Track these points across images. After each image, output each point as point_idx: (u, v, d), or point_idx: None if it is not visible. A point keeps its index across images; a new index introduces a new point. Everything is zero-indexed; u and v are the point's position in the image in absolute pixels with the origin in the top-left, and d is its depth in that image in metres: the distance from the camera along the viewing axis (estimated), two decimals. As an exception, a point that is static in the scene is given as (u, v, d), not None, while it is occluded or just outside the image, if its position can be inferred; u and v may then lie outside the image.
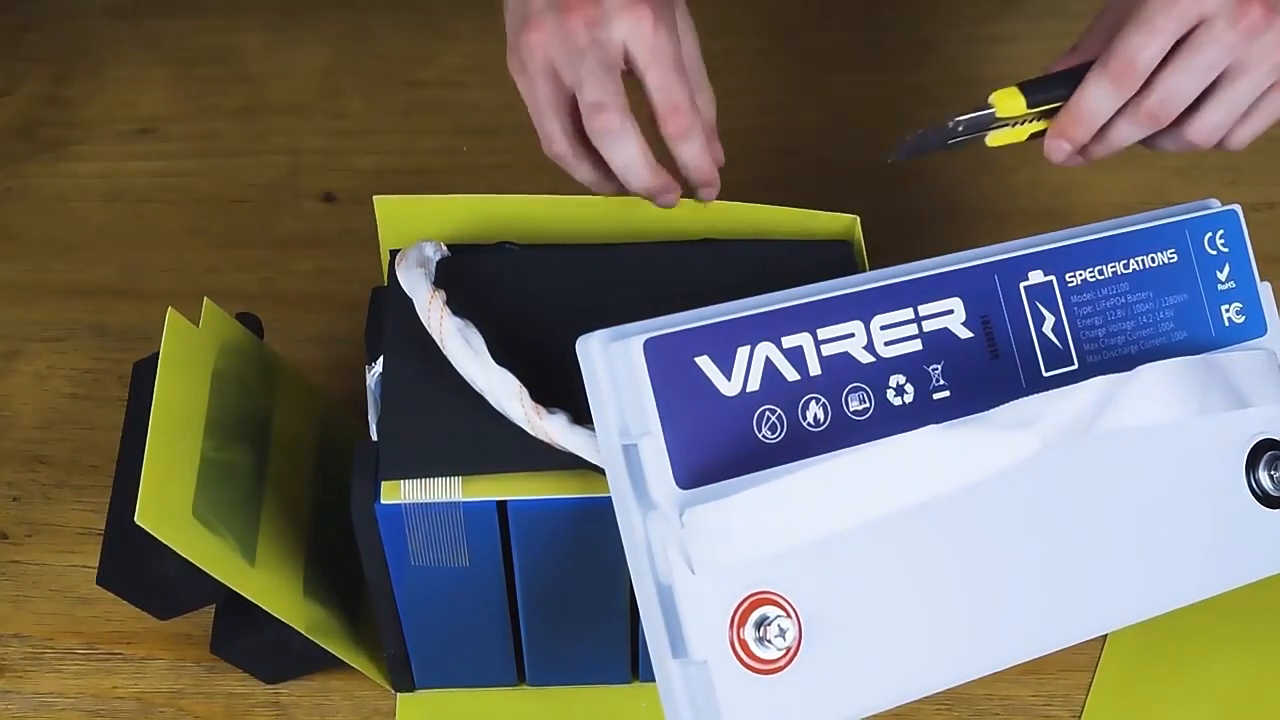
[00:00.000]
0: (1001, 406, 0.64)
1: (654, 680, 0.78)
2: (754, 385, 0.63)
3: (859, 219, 0.76)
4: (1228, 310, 0.71)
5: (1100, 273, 0.69)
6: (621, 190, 0.75)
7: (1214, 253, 0.71)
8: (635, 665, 0.78)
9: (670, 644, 0.62)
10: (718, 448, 0.62)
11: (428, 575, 0.70)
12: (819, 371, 0.64)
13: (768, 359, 0.63)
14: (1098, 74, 0.72)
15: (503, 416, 0.66)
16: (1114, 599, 0.68)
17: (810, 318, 0.64)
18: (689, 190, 0.76)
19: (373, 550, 0.69)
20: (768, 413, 0.63)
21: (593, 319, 0.64)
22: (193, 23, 1.14)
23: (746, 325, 0.63)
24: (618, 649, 0.76)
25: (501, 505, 0.68)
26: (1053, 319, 0.68)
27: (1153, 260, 0.70)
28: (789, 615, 0.62)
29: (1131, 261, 0.70)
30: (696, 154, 0.73)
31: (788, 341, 0.64)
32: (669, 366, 0.62)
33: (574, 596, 0.72)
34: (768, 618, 0.62)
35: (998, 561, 0.66)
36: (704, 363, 0.63)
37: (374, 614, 0.74)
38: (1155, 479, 0.69)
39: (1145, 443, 0.68)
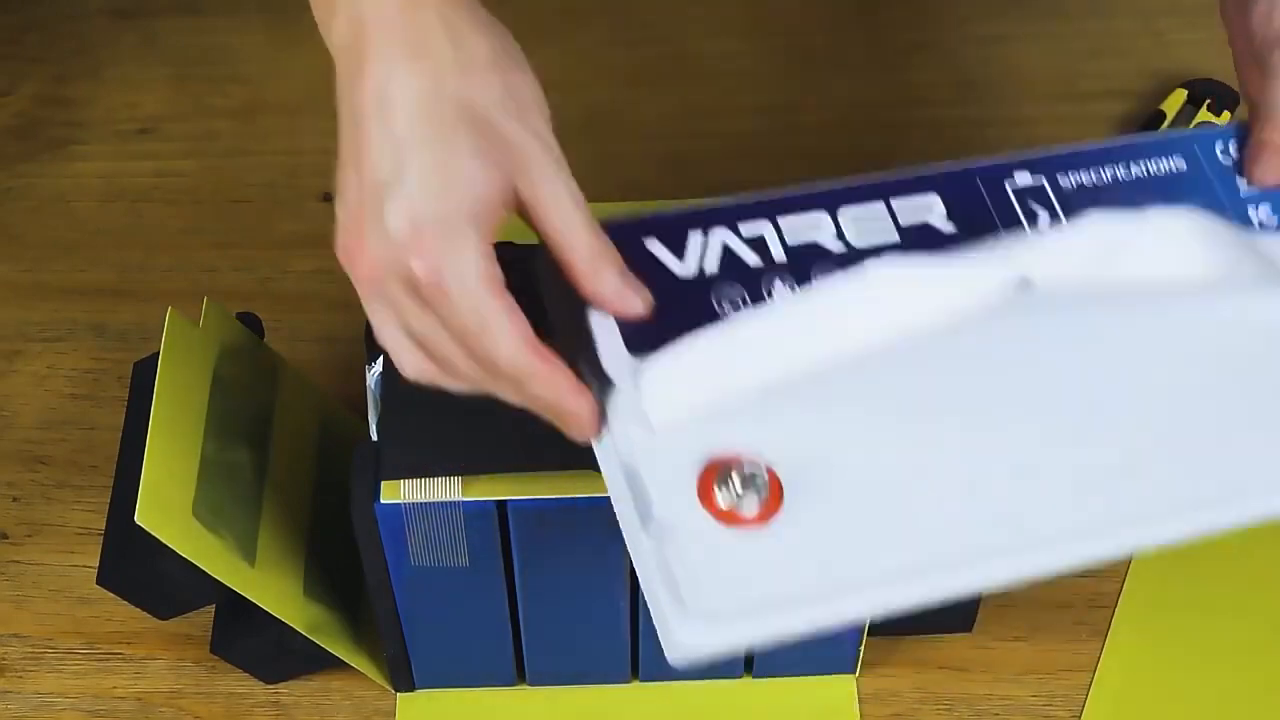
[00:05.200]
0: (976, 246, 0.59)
1: (654, 680, 0.79)
2: (711, 268, 0.60)
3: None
4: (1256, 213, 0.64)
5: (1098, 176, 0.63)
6: None
7: (1228, 163, 0.66)
8: (635, 665, 0.78)
9: (639, 516, 0.57)
10: (674, 320, 0.59)
11: (428, 575, 0.70)
12: (784, 259, 0.60)
13: (725, 245, 0.60)
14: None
15: (503, 416, 0.66)
16: (1141, 503, 0.57)
17: (768, 209, 0.61)
18: None
19: (373, 550, 0.69)
20: (728, 289, 0.60)
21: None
22: (193, 23, 1.14)
23: (697, 215, 0.61)
24: (618, 649, 0.76)
25: (501, 505, 0.68)
26: (1047, 214, 0.62)
27: (1158, 167, 0.65)
28: (760, 472, 0.56)
29: (1134, 166, 0.64)
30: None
31: (746, 229, 0.61)
32: (617, 247, 0.58)
33: (574, 596, 0.72)
34: (737, 471, 0.56)
35: (1003, 438, 0.59)
36: (652, 244, 0.60)
37: (374, 614, 0.74)
38: (1194, 361, 0.60)
39: (1184, 314, 0.60)
